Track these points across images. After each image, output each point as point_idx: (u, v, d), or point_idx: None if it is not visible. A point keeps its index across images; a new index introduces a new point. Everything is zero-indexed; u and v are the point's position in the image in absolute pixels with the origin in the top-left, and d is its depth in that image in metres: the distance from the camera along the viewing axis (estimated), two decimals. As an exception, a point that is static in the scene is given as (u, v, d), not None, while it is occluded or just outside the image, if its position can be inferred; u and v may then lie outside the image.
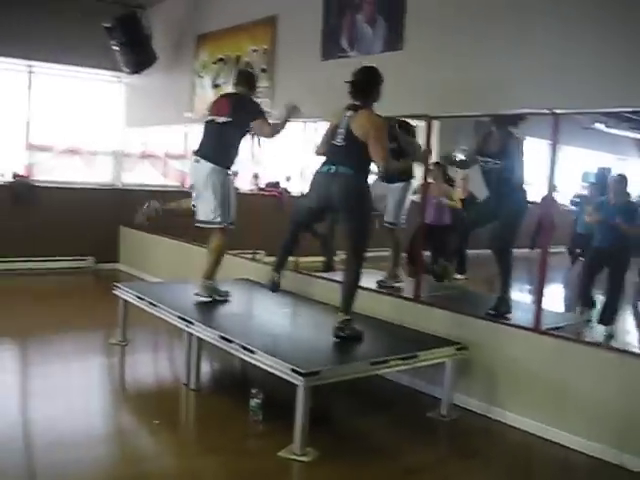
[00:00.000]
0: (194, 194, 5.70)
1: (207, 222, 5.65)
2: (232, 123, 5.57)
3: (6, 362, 5.91)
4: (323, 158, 4.90)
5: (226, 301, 5.74)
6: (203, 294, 5.70)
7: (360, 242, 4.79)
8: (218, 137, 5.62)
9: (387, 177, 6.01)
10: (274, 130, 5.62)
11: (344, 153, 4.72)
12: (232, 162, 5.70)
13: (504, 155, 5.46)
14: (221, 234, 5.69)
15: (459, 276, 7.32)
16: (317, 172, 4.85)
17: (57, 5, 9.26)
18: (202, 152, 5.64)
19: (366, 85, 4.83)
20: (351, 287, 4.81)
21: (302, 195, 5.19)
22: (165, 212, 6.06)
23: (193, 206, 5.72)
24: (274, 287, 5.05)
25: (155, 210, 5.99)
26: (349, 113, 4.76)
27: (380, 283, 6.28)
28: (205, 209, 5.61)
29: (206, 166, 5.53)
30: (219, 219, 5.59)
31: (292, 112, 5.65)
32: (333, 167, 4.72)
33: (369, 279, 6.20)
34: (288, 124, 5.69)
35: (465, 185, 7.85)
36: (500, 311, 5.36)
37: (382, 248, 6.67)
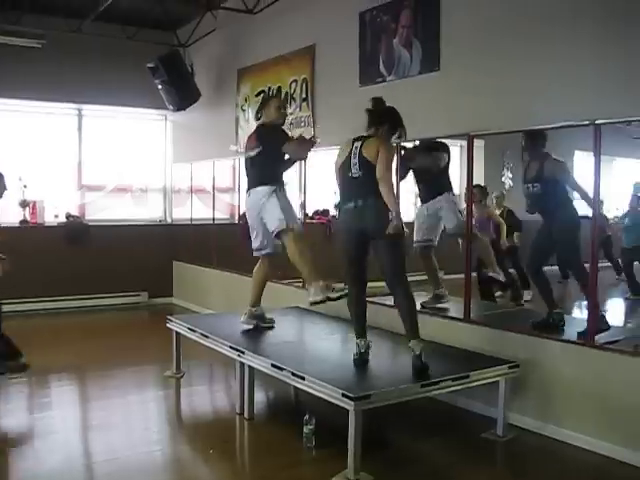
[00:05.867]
0: (256, 222, 5.69)
1: (279, 230, 5.47)
2: (263, 151, 5.61)
3: (65, 396, 6.05)
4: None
5: (271, 327, 5.82)
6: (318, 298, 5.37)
7: (400, 266, 4.73)
8: (257, 168, 5.68)
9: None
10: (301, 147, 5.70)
11: (362, 184, 4.69)
12: (280, 177, 5.70)
13: (540, 178, 5.44)
14: (294, 238, 5.44)
15: (527, 294, 7.15)
16: (343, 210, 4.84)
17: (102, 49, 9.60)
18: (251, 184, 5.71)
19: (382, 115, 4.87)
20: (409, 314, 4.69)
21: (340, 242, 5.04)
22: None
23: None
24: (361, 360, 4.77)
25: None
26: (357, 143, 4.76)
27: (423, 304, 6.13)
28: (269, 222, 5.51)
29: (258, 190, 5.58)
30: (284, 224, 5.41)
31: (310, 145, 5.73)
32: (359, 201, 4.68)
33: (419, 302, 6.20)
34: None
35: (500, 202, 7.80)
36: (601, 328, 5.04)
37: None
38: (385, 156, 4.63)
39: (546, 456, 4.57)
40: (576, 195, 5.38)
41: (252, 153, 5.69)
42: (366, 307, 4.97)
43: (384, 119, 4.87)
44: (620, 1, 4.39)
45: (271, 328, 5.87)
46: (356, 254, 4.84)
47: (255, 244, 5.78)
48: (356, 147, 4.75)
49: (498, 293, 7.18)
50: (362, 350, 4.77)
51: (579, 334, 4.92)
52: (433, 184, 6.26)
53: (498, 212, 7.68)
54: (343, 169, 4.83)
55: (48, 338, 8.07)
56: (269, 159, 5.63)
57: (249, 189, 5.73)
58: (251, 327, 5.83)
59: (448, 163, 6.12)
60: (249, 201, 5.73)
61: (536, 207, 5.61)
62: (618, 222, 8.29)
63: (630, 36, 4.32)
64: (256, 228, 5.73)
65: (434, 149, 6.14)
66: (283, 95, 7.72)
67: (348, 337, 5.35)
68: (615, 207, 8.98)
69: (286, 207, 5.55)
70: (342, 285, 5.19)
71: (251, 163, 5.74)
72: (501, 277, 6.34)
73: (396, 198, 4.78)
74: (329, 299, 5.18)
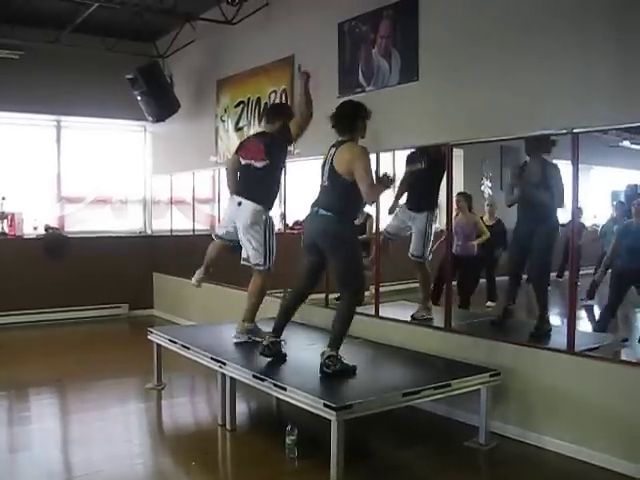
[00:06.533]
0: (239, 234, 5.70)
1: (251, 263, 5.69)
2: (270, 166, 5.62)
3: (45, 410, 5.97)
4: None
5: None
6: (240, 336, 5.75)
7: (347, 281, 4.78)
8: (259, 180, 5.64)
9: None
10: (303, 119, 5.66)
11: (327, 194, 4.76)
12: (273, 202, 5.76)
13: (544, 183, 5.47)
14: (262, 276, 5.71)
15: (490, 303, 7.30)
16: (308, 213, 4.92)
17: (80, 60, 9.56)
18: (244, 194, 5.65)
19: (349, 119, 4.83)
20: (341, 324, 4.76)
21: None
22: (213, 267, 6.05)
23: (230, 242, 5.85)
24: (268, 351, 5.06)
25: (202, 278, 6.06)
26: (332, 150, 4.77)
27: (413, 316, 6.18)
28: (249, 250, 5.65)
29: (250, 207, 5.56)
30: (262, 261, 5.62)
31: (304, 80, 5.66)
32: (315, 209, 4.79)
33: (400, 311, 6.23)
34: (309, 95, 5.67)
35: (492, 212, 7.85)
36: (542, 330, 5.40)
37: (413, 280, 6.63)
38: (363, 175, 4.59)
39: (528, 464, 4.58)
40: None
41: (257, 165, 5.64)
42: (291, 316, 5.21)
43: (355, 123, 4.83)
44: (599, 11, 4.42)
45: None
46: (309, 260, 4.96)
47: (243, 254, 5.78)
48: (330, 154, 4.77)
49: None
50: (265, 343, 5.07)
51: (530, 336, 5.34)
52: (420, 198, 6.29)
53: (491, 222, 7.73)
54: (320, 174, 4.88)
55: (28, 351, 8.02)
56: (274, 175, 5.70)
57: (239, 195, 5.67)
58: (244, 340, 5.74)
59: (441, 178, 5.88)
60: (238, 210, 5.66)
61: (533, 210, 5.64)
62: (602, 229, 8.30)
63: (608, 45, 4.36)
64: (241, 239, 5.74)
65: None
66: (262, 106, 7.73)
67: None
68: (593, 215, 9.06)
69: (269, 243, 5.62)
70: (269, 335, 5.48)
71: (251, 174, 5.68)
72: (430, 315, 6.25)
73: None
74: (252, 341, 5.67)
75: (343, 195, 4.67)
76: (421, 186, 6.24)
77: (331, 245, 4.75)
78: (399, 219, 6.40)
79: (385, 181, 4.74)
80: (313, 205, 4.86)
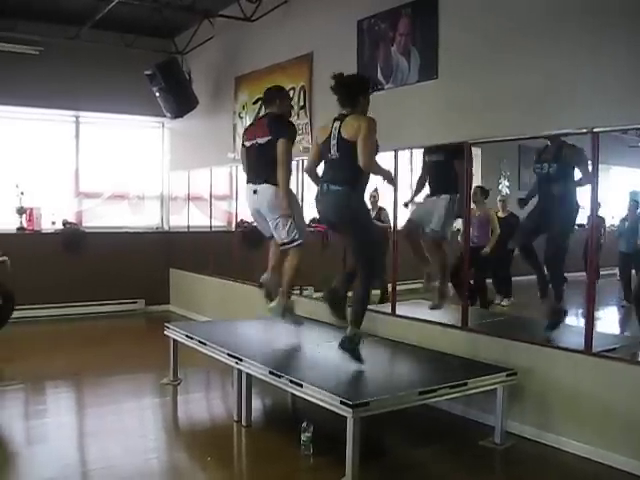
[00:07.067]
0: (268, 219, 5.49)
1: (288, 243, 5.44)
2: (273, 140, 5.36)
3: (61, 403, 6.03)
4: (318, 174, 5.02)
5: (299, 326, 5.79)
6: (277, 308, 5.61)
7: (365, 255, 4.73)
8: (265, 158, 5.39)
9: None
10: (286, 157, 5.35)
11: (338, 166, 4.69)
12: (289, 177, 5.51)
13: (558, 160, 5.39)
14: (299, 251, 5.49)
15: (506, 301, 7.27)
16: (318, 191, 4.88)
17: (99, 56, 9.60)
18: (257, 178, 5.46)
19: (353, 90, 4.77)
20: (359, 302, 4.77)
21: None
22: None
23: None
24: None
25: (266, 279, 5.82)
26: (337, 123, 4.71)
27: (431, 307, 6.04)
28: (280, 232, 5.42)
29: (268, 190, 5.37)
30: (298, 236, 5.41)
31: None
32: (325, 185, 4.75)
33: (417, 310, 6.20)
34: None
35: (504, 206, 7.83)
36: (555, 320, 5.32)
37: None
38: (366, 142, 4.52)
39: (544, 464, 4.55)
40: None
41: (261, 141, 5.45)
42: (344, 301, 5.01)
43: (357, 94, 4.77)
44: (614, 11, 4.40)
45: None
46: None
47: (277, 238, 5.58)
48: (335, 127, 4.71)
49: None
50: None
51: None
52: (440, 184, 6.05)
53: (503, 215, 7.73)
54: (325, 149, 4.82)
55: (45, 345, 8.08)
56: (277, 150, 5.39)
57: (254, 184, 5.47)
58: (278, 313, 5.63)
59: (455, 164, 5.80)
60: (256, 201, 5.48)
61: (547, 189, 5.53)
62: (617, 227, 8.26)
63: (625, 46, 4.33)
64: (266, 228, 5.60)
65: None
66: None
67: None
68: (611, 215, 9.00)
69: (297, 217, 5.48)
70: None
71: (257, 153, 5.48)
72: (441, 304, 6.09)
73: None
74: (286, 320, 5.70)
75: (354, 164, 4.56)
76: (440, 174, 6.08)
77: (346, 219, 4.72)
78: (423, 207, 6.24)
79: (388, 175, 4.97)
80: (322, 181, 4.82)
